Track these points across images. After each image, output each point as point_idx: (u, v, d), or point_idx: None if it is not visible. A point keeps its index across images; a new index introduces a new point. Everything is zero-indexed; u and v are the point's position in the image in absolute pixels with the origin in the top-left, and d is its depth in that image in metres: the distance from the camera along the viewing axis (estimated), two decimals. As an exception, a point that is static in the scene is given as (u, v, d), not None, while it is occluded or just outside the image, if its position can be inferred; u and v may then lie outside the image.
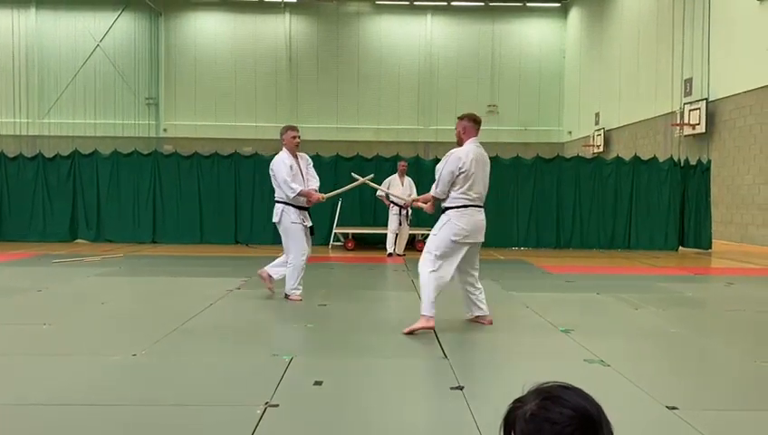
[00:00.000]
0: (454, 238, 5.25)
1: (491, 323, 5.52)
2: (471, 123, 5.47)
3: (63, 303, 6.52)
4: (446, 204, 5.41)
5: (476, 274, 5.62)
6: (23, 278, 8.16)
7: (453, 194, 5.35)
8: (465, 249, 5.31)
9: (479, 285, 5.61)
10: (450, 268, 5.29)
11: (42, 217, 13.45)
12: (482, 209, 5.47)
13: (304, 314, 6.02)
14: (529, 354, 4.73)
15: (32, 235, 13.28)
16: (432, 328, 5.17)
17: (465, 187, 5.30)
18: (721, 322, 6.13)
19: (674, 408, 3.45)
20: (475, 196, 5.37)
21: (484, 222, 5.49)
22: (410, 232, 12.21)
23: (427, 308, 5.18)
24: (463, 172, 5.26)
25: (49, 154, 14.04)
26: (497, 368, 4.28)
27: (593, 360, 4.44)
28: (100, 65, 27.70)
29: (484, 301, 5.61)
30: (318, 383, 3.84)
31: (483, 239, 5.49)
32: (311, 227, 6.71)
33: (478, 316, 5.60)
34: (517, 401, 1.21)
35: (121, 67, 27.76)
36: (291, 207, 6.55)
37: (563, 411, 1.13)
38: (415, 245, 12.20)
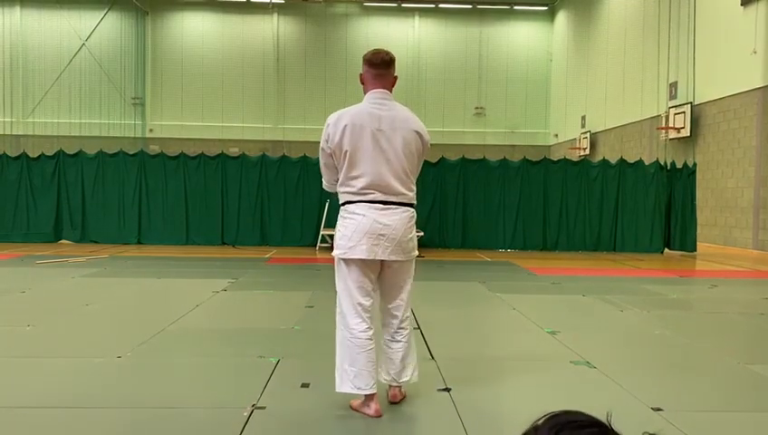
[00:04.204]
0: (337, 253, 3.39)
1: (395, 400, 3.55)
2: (366, 67, 3.47)
3: (47, 304, 6.45)
4: None
5: (399, 315, 3.50)
6: (6, 279, 8.07)
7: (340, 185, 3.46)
8: (361, 272, 3.35)
9: (400, 337, 3.49)
10: (356, 308, 3.34)
11: (26, 218, 13.33)
12: (388, 208, 3.34)
13: (291, 315, 6.00)
14: (515, 356, 4.74)
15: (15, 235, 13.16)
16: (376, 413, 3.32)
17: (344, 171, 3.37)
18: (705, 324, 6.19)
19: (659, 409, 3.48)
20: (360, 185, 3.33)
21: (396, 230, 3.33)
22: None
23: (338, 382, 3.38)
24: (330, 149, 3.38)
25: (33, 154, 13.92)
26: (484, 370, 4.29)
27: (579, 361, 4.47)
28: (85, 64, 27.49)
29: (406, 366, 3.51)
30: (305, 385, 3.83)
31: (397, 257, 3.35)
32: None
33: (388, 381, 3.54)
34: None
35: (107, 66, 27.56)
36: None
37: (586, 431, 1.02)
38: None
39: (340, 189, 3.45)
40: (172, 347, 4.80)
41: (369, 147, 3.31)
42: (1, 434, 3.10)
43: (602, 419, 1.05)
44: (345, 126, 3.32)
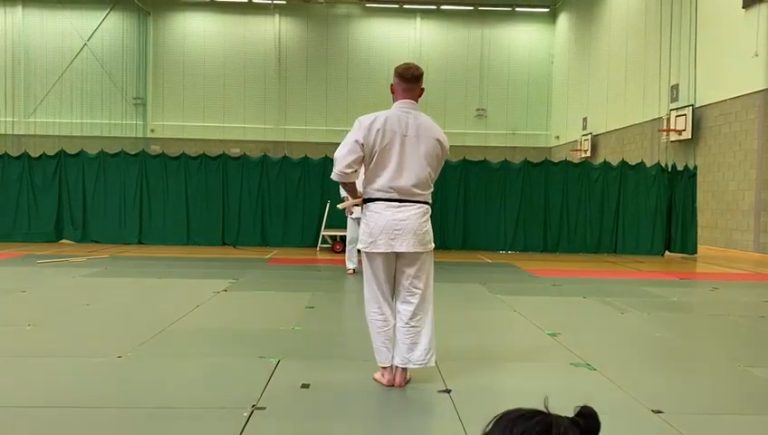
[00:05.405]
0: (360, 247, 3.88)
1: (399, 385, 3.87)
2: (397, 80, 3.86)
3: (48, 304, 6.46)
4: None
5: (414, 302, 3.83)
6: (6, 279, 8.08)
7: (365, 182, 3.87)
8: (382, 263, 3.82)
9: (413, 322, 3.83)
10: (375, 294, 3.86)
11: (27, 217, 13.34)
12: (403, 205, 3.75)
13: (292, 316, 6.00)
14: (516, 357, 4.74)
15: (16, 235, 13.17)
16: (388, 382, 3.83)
17: (370, 169, 3.79)
18: (705, 326, 6.18)
19: (659, 412, 3.47)
20: (384, 183, 3.75)
21: (411, 223, 3.73)
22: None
23: (378, 356, 3.92)
24: (363, 145, 3.71)
25: (35, 153, 13.93)
26: (484, 371, 4.28)
27: (579, 363, 4.46)
28: (87, 64, 27.52)
29: (415, 347, 3.82)
30: (305, 386, 3.83)
31: (413, 249, 3.74)
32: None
33: (394, 365, 3.87)
34: None
35: (109, 67, 27.59)
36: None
37: (535, 420, 1.08)
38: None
39: (365, 185, 3.85)
40: (172, 347, 4.80)
41: (396, 150, 3.73)
42: (1, 434, 3.10)
43: (541, 408, 1.11)
44: (378, 130, 3.71)
